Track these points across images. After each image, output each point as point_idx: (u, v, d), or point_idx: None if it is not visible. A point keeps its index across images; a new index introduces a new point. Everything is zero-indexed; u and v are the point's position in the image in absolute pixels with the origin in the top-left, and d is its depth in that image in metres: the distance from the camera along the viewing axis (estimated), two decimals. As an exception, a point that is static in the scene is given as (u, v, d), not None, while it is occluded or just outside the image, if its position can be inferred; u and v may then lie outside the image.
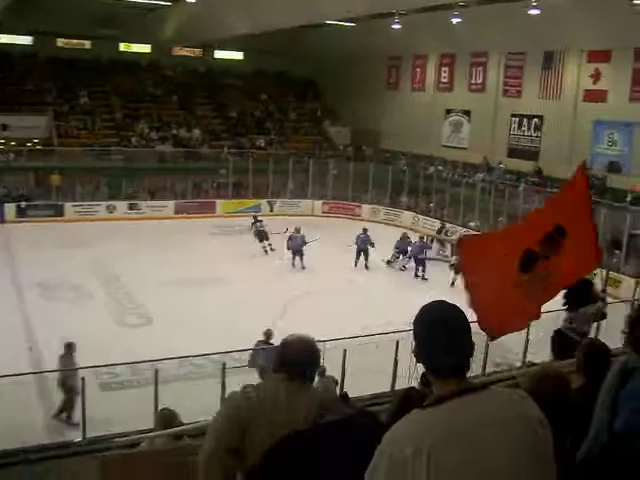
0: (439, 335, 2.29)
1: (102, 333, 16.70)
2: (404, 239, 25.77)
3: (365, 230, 25.69)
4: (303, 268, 24.67)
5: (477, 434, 2.14)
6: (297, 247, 24.71)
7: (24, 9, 32.31)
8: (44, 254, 23.78)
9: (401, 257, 25.47)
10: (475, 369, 9.59)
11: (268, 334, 13.95)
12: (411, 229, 28.66)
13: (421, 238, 25.92)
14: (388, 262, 25.55)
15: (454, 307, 2.37)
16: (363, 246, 25.02)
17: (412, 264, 24.91)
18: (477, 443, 2.13)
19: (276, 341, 11.45)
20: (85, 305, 19.66)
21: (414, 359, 2.41)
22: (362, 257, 25.03)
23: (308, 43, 38.30)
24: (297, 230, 25.16)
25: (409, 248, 25.24)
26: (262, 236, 26.81)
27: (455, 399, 2.21)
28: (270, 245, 26.53)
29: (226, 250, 26.58)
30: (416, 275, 24.41)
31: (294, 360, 3.00)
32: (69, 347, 12.96)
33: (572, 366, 4.36)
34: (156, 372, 11.15)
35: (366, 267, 25.09)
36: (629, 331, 3.26)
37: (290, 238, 25.00)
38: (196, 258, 24.56)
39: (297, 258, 24.81)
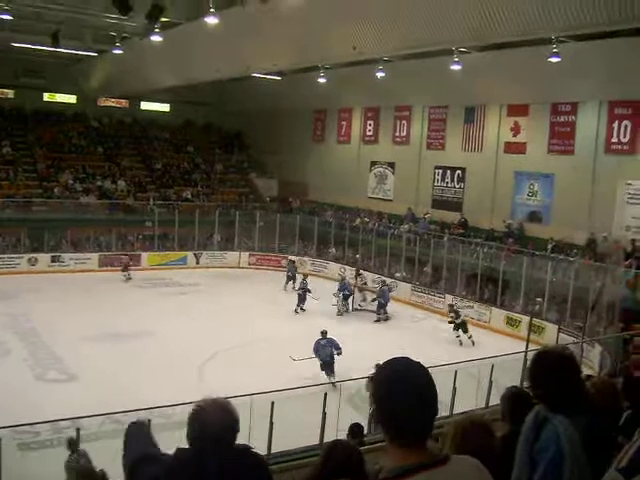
0: (407, 399, 2.04)
1: (21, 390, 16.15)
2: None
3: (305, 276, 27.17)
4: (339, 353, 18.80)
5: None
6: (326, 358, 18.15)
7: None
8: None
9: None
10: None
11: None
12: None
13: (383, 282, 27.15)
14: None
15: (420, 366, 2.14)
16: (301, 291, 26.23)
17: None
18: None
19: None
20: (2, 361, 18.93)
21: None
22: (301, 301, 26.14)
23: (235, 95, 38.58)
24: (323, 333, 18.56)
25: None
26: (126, 269, 30.16)
27: (408, 478, 2.01)
28: (130, 278, 29.79)
29: (151, 303, 26.13)
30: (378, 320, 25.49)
31: (214, 431, 2.54)
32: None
33: (497, 414, 4.40)
34: (78, 430, 10.77)
35: (302, 310, 26.10)
36: (530, 385, 3.28)
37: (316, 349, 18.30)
38: (120, 312, 24.07)
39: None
